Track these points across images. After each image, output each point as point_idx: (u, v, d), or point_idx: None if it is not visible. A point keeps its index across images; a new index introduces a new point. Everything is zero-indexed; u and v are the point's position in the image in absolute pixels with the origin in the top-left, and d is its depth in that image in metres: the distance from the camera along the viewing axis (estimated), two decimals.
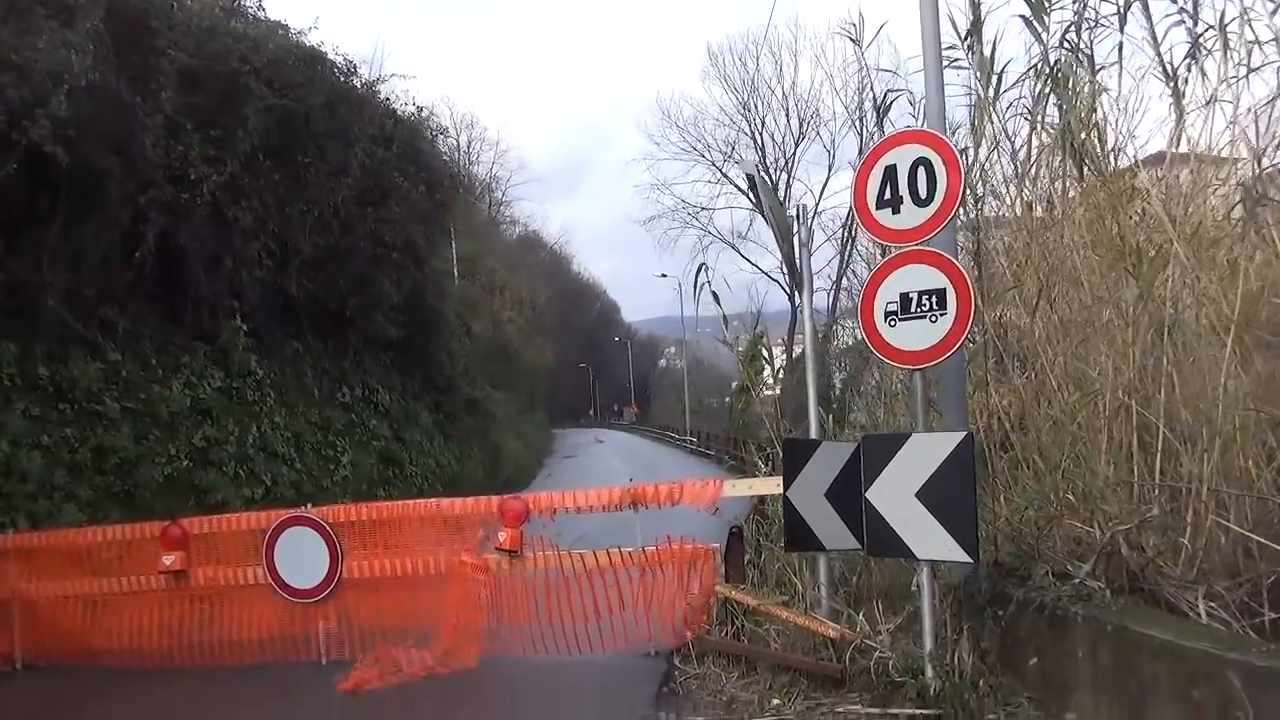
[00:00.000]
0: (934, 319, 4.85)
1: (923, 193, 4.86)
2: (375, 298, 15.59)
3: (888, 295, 5.03)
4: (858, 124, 28.69)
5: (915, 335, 4.92)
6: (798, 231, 5.65)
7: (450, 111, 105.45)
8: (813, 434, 5.63)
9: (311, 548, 6.92)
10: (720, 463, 31.61)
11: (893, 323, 5.01)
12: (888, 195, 5.00)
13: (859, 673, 4.99)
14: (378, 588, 6.92)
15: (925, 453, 4.73)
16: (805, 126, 30.28)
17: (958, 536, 4.57)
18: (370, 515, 6.92)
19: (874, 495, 4.94)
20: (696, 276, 8.04)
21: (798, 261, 5.59)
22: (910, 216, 4.93)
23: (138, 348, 10.75)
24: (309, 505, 7.26)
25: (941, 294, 4.82)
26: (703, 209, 34.57)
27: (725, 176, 33.06)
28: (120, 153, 9.44)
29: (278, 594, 7.02)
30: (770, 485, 6.15)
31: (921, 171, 4.86)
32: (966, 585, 5.22)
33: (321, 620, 6.99)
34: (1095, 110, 5.69)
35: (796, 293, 32.37)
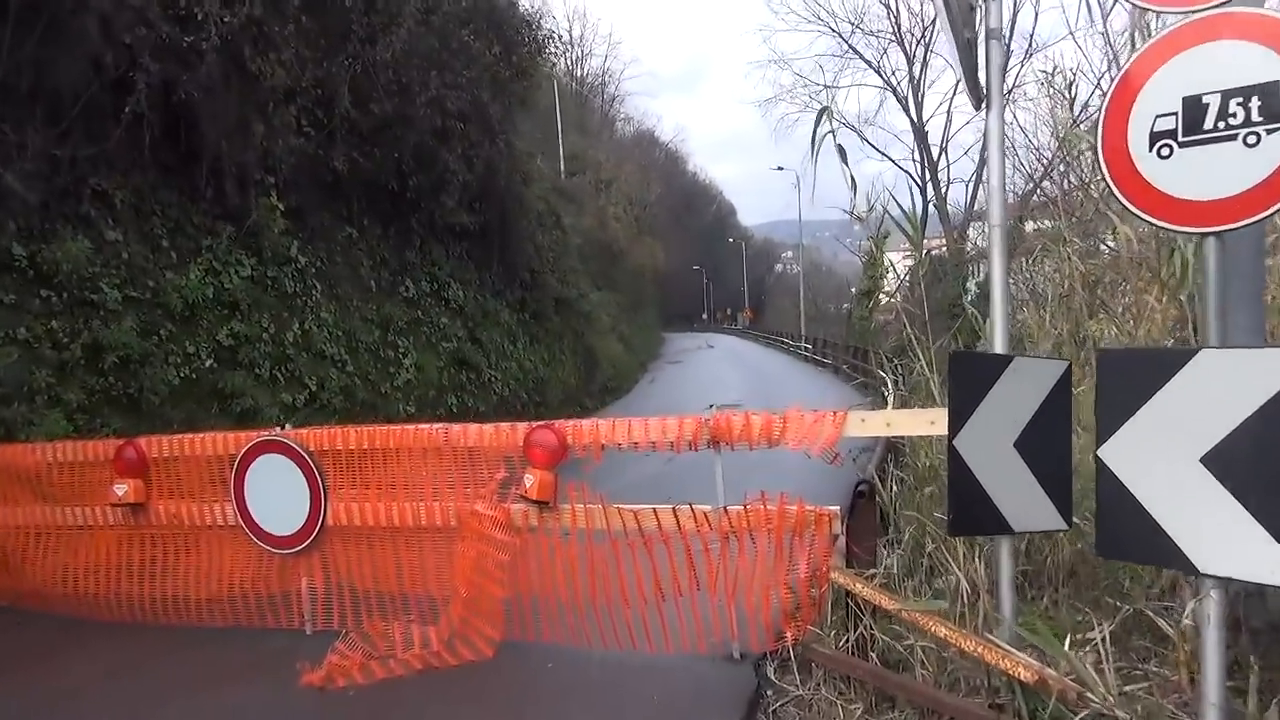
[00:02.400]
0: (1253, 139, 2.72)
1: None
2: (441, 178, 13.87)
3: (1159, 100, 2.91)
4: None
5: (1212, 172, 2.81)
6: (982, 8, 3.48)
7: (563, 3, 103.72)
8: (997, 345, 3.59)
9: (288, 482, 5.36)
10: (836, 372, 29.42)
11: (1166, 150, 2.91)
12: None
13: None
14: (371, 540, 5.32)
15: (1225, 386, 2.66)
16: None
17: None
18: (359, 442, 5.26)
19: (1115, 454, 2.91)
20: (817, 123, 5.96)
21: (983, 57, 3.46)
22: None
23: (144, 227, 9.35)
24: (285, 426, 5.66)
25: (1274, 94, 2.68)
26: (825, 88, 31.24)
27: (853, 49, 29.59)
28: None
29: (251, 540, 5.53)
30: (919, 423, 4.16)
31: None
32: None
33: (305, 577, 5.48)
34: None
35: (930, 185, 29.14)
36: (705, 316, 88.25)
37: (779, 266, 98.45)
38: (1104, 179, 3.09)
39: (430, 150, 13.46)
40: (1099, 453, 2.95)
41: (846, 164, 5.91)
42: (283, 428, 5.57)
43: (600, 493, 4.71)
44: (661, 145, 77.16)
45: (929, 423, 4.11)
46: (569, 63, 61.32)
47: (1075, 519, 3.80)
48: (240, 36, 9.50)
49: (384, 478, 5.23)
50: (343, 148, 11.79)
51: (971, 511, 3.46)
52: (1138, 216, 3.05)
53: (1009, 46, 25.11)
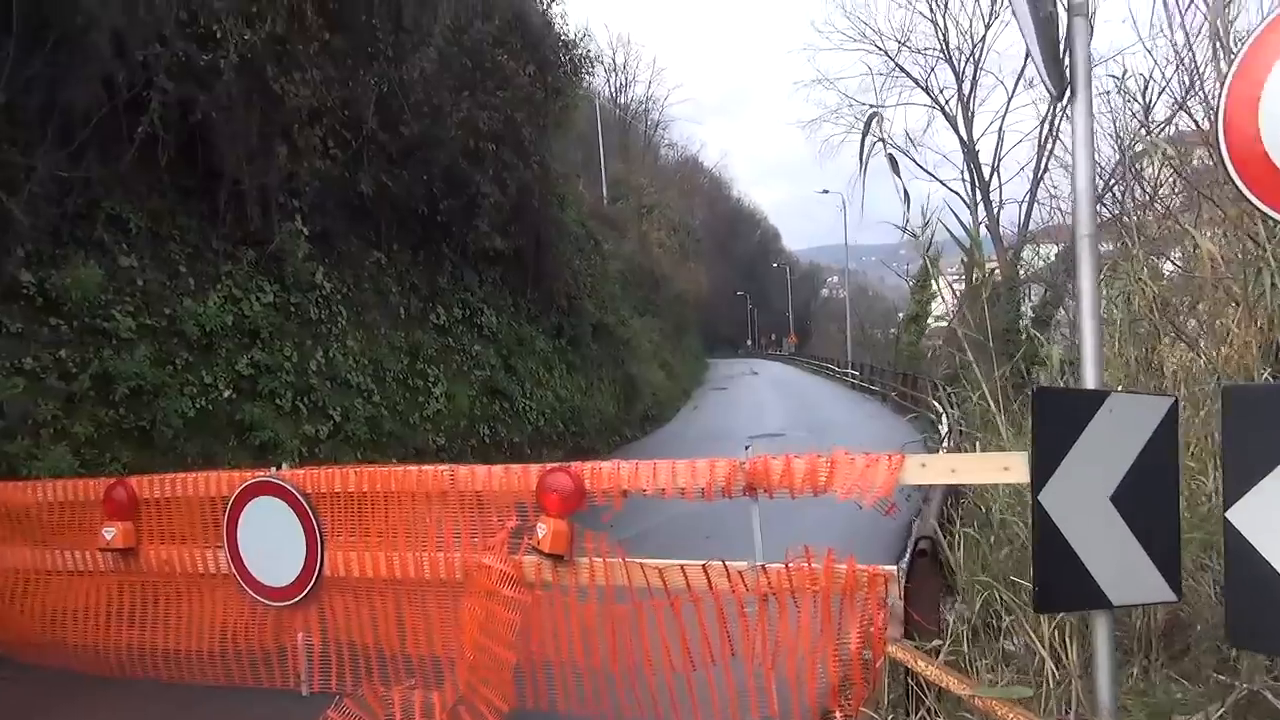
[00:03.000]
0: None
1: None
2: (473, 201, 13.51)
3: None
4: None
5: None
6: None
7: (606, 30, 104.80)
8: (1088, 379, 3.01)
9: (284, 528, 4.91)
10: (884, 400, 28.61)
11: None
12: None
13: None
14: (371, 593, 4.84)
15: None
16: (998, 4, 25.72)
17: None
18: (359, 485, 4.79)
19: (1247, 517, 2.33)
20: (866, 129, 5.46)
21: (1065, 34, 2.91)
22: None
23: (161, 251, 9.06)
24: (283, 466, 5.22)
25: None
26: (871, 108, 30.56)
27: (900, 68, 28.95)
28: None
29: (245, 591, 5.08)
30: (990, 469, 3.57)
31: None
32: None
33: (301, 632, 5.01)
34: None
35: (981, 206, 28.32)
36: (750, 342, 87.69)
37: (824, 291, 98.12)
38: (1227, 175, 2.52)
39: (461, 173, 13.13)
40: (1228, 514, 2.37)
41: (898, 175, 5.38)
42: (279, 468, 5.13)
43: (624, 539, 4.19)
44: (705, 171, 77.53)
45: (1001, 469, 3.52)
46: (612, 89, 61.74)
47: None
48: (261, 54, 9.23)
49: (385, 524, 4.75)
50: (370, 170, 11.49)
51: (1062, 581, 2.87)
52: (1268, 215, 2.47)
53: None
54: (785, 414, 25.54)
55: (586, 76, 16.97)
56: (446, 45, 12.01)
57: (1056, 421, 2.85)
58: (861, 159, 5.38)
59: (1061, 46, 3.04)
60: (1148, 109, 10.06)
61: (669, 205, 58.19)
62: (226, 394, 9.37)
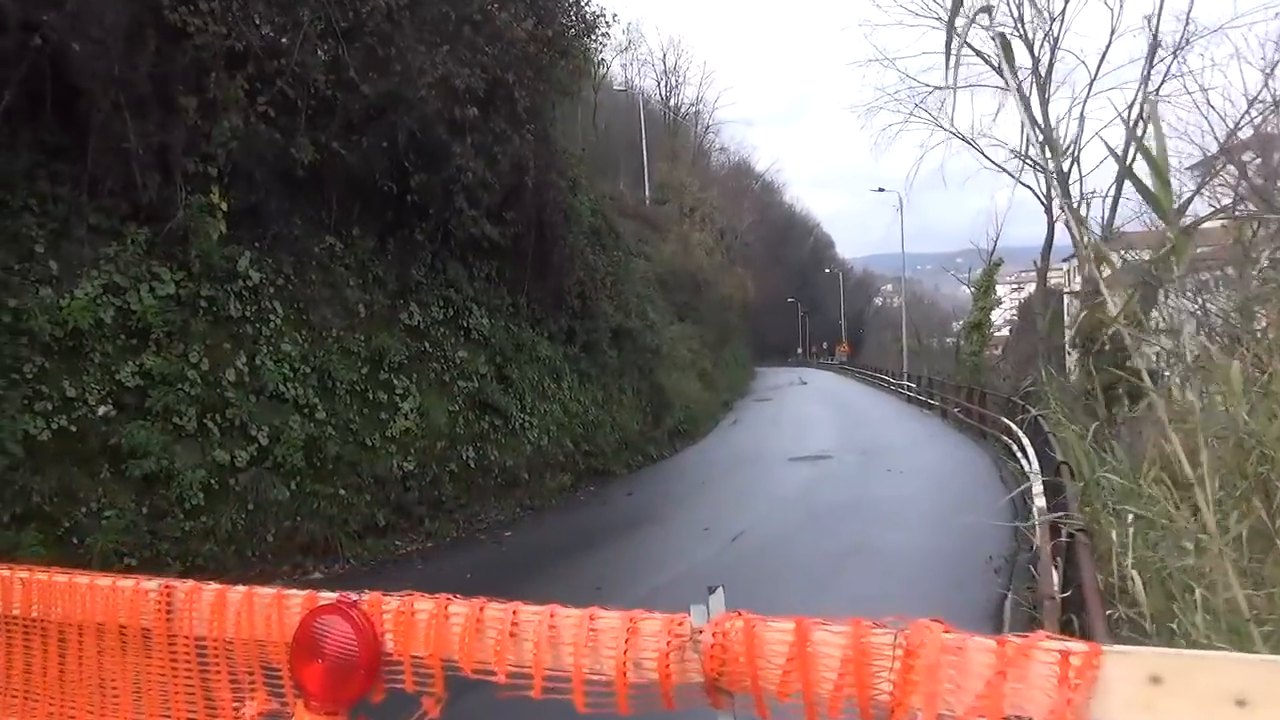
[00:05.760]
0: None
1: None
2: (454, 176, 11.41)
3: None
4: None
5: None
6: None
7: (657, 32, 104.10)
8: None
9: None
10: (945, 416, 26.07)
11: None
12: None
13: None
14: None
15: None
16: None
17: None
18: (25, 603, 2.66)
19: None
20: (952, 22, 3.45)
21: None
22: None
23: (8, 227, 7.10)
24: None
25: None
26: (934, 89, 27.88)
27: (969, 45, 26.31)
28: None
29: None
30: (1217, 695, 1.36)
31: None
32: None
33: None
34: None
35: (1058, 202, 25.68)
36: (800, 351, 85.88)
37: (878, 300, 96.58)
38: None
39: (438, 143, 11.04)
40: None
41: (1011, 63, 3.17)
42: None
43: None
44: (756, 175, 76.20)
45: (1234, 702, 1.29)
46: (663, 92, 60.69)
47: None
48: None
49: (54, 679, 2.62)
50: (314, 134, 9.44)
51: None
52: None
53: (1155, 34, 21.72)
54: (834, 431, 23.15)
55: (602, 39, 14.81)
56: None
57: None
58: (947, 51, 3.39)
59: None
60: None
61: (715, 207, 56.27)
62: (101, 411, 7.39)
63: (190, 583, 2.48)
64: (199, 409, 8.18)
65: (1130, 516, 4.19)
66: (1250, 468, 4.55)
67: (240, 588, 2.41)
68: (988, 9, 3.65)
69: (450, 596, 2.08)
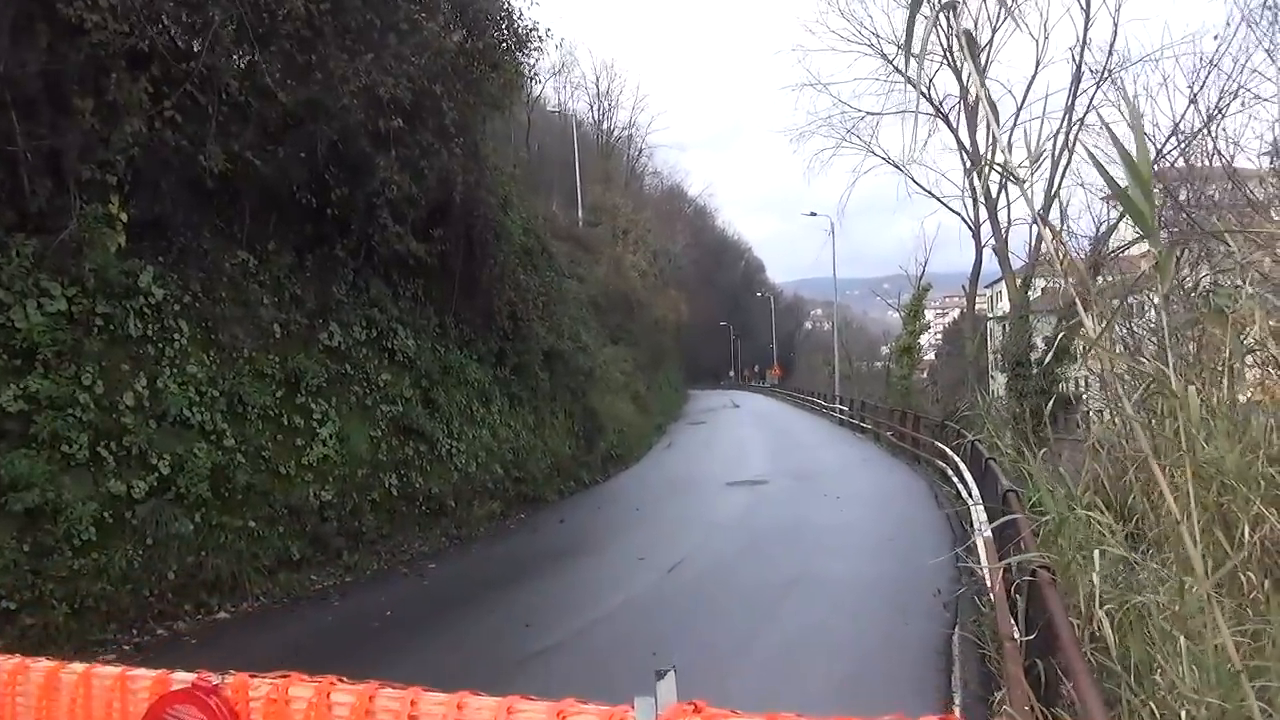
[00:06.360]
0: None
1: None
2: (378, 190, 10.91)
3: None
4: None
5: None
6: None
7: (590, 55, 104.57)
8: None
9: None
10: (878, 439, 26.09)
11: None
12: None
13: None
14: None
15: None
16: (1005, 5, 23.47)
17: None
18: None
19: None
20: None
21: None
22: None
23: None
24: None
25: None
26: (867, 114, 28.10)
27: (900, 72, 26.52)
28: None
29: None
30: None
31: None
32: None
33: None
34: None
35: (989, 225, 26.02)
36: (732, 374, 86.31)
37: (808, 324, 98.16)
38: None
39: (362, 155, 10.55)
40: None
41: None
42: None
43: None
44: (689, 199, 77.01)
45: None
46: (595, 115, 60.78)
47: None
48: None
49: None
50: (225, 142, 8.88)
51: None
52: None
53: (1079, 65, 22.06)
54: (769, 455, 23.00)
55: (534, 53, 14.45)
56: None
57: None
58: (908, 36, 3.06)
59: None
60: None
61: (648, 230, 56.19)
62: None
63: (16, 658, 2.03)
64: (91, 436, 7.54)
65: (1097, 553, 3.92)
66: (1210, 498, 4.34)
67: (77, 665, 1.97)
68: (952, 5, 3.40)
69: (336, 679, 1.67)
